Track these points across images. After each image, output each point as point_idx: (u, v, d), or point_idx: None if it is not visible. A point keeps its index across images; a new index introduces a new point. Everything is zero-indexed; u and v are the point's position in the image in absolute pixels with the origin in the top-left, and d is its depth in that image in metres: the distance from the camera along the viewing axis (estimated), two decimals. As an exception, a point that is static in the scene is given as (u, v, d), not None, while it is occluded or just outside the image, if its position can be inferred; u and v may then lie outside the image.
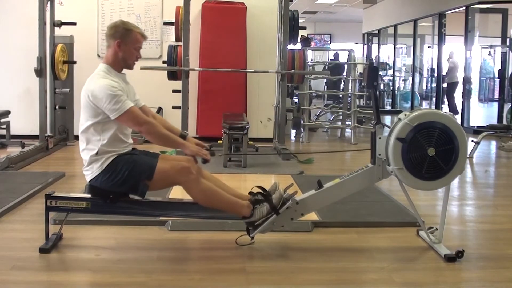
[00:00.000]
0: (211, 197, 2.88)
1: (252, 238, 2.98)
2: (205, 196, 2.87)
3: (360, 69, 9.40)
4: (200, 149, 2.92)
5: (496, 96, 11.94)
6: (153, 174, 2.80)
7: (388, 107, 12.87)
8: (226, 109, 6.58)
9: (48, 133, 6.26)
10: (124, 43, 2.89)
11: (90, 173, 2.86)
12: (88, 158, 2.84)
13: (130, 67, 2.99)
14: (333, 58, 14.09)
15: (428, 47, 13.08)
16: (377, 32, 14.39)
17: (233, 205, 2.91)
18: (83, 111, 2.85)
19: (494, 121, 9.58)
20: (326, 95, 11.90)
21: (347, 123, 8.26)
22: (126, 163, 2.82)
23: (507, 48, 9.94)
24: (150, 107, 3.19)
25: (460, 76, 10.94)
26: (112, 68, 2.91)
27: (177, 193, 3.59)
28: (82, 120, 2.87)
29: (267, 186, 3.01)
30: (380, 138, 2.98)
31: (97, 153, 2.81)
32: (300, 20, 6.79)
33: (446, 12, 10.05)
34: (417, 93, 12.62)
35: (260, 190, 2.97)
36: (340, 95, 9.41)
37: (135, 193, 2.86)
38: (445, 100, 11.38)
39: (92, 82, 2.82)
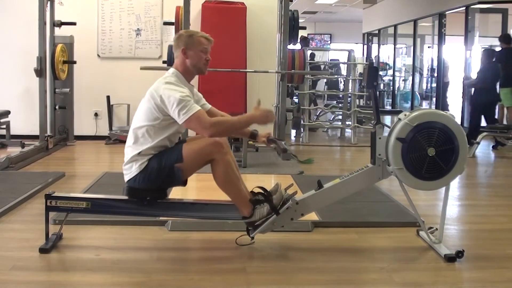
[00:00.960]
0: (230, 181, 2.85)
1: (252, 238, 2.98)
2: (226, 177, 2.83)
3: (360, 69, 9.40)
4: (266, 112, 2.94)
5: (496, 96, 11.91)
6: (181, 155, 2.79)
7: (388, 107, 12.87)
8: (226, 109, 6.48)
9: (48, 133, 6.27)
10: (189, 49, 2.90)
11: (128, 172, 2.86)
12: (129, 157, 2.85)
13: (201, 71, 2.97)
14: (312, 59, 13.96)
15: (428, 47, 13.08)
16: (377, 32, 14.39)
17: (242, 199, 2.89)
18: (142, 111, 2.85)
19: (494, 121, 9.57)
20: (326, 95, 11.91)
21: (347, 123, 8.26)
22: (155, 156, 2.82)
23: (507, 48, 9.92)
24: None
25: (451, 76, 10.97)
26: (182, 76, 2.91)
27: (177, 193, 3.59)
28: (139, 120, 2.86)
29: (267, 186, 3.00)
30: (380, 138, 2.99)
31: (139, 153, 2.82)
32: (300, 20, 6.80)
33: (446, 12, 10.05)
34: (417, 93, 12.61)
35: (261, 191, 2.96)
36: (340, 95, 9.42)
37: (173, 181, 2.86)
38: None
39: (162, 86, 2.81)
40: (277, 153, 2.96)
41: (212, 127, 2.75)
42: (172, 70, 2.93)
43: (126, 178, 2.89)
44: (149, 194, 2.90)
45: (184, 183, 2.92)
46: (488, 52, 7.86)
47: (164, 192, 2.99)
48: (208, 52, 2.97)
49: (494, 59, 7.50)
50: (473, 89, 7.83)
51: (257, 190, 2.97)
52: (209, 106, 3.11)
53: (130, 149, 2.87)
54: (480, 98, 7.47)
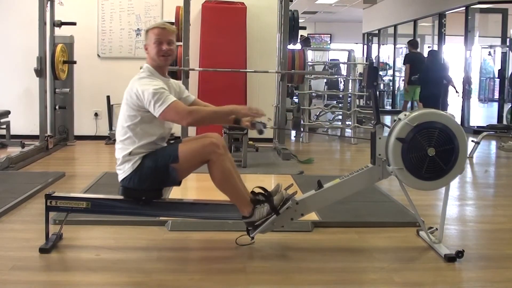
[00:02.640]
0: (228, 180, 2.83)
1: (252, 238, 2.97)
2: (224, 177, 2.82)
3: (360, 69, 9.40)
4: (250, 108, 2.87)
5: (496, 96, 11.95)
6: (177, 155, 2.78)
7: (388, 107, 12.87)
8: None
9: (48, 133, 6.27)
10: (148, 44, 2.90)
11: (122, 172, 2.86)
12: (121, 157, 2.85)
13: (161, 62, 2.89)
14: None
15: (428, 47, 13.08)
16: (377, 32, 14.39)
17: (241, 198, 2.88)
18: (122, 112, 2.85)
19: (494, 121, 9.59)
20: (326, 95, 11.91)
21: (347, 123, 8.26)
22: (150, 155, 2.82)
23: (507, 48, 9.95)
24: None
25: (451, 76, 10.98)
26: (154, 70, 2.90)
27: (177, 193, 3.59)
28: (121, 120, 2.86)
29: (267, 186, 3.00)
30: (380, 138, 2.98)
31: (130, 153, 2.81)
32: (300, 20, 6.80)
33: (446, 12, 10.05)
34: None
35: (261, 191, 2.96)
36: (340, 95, 9.41)
37: (167, 182, 2.85)
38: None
39: (136, 82, 2.81)
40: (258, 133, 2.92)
41: (189, 115, 2.73)
42: (144, 65, 2.93)
43: (120, 177, 2.88)
44: (144, 193, 2.89)
45: (179, 183, 2.91)
46: (434, 53, 9.14)
47: (159, 191, 2.96)
48: (164, 42, 2.86)
49: (439, 59, 8.86)
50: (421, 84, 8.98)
51: (257, 190, 2.97)
52: (193, 97, 3.07)
53: (120, 150, 2.86)
54: (427, 91, 8.64)
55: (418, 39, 11.22)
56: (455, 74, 11.04)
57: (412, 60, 9.42)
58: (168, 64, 2.96)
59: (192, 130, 6.76)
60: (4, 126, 6.55)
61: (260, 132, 2.88)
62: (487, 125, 8.31)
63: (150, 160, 2.81)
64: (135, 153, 2.82)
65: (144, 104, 2.74)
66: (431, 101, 8.47)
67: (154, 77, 2.85)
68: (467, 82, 9.53)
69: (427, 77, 8.60)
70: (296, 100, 9.05)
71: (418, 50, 10.14)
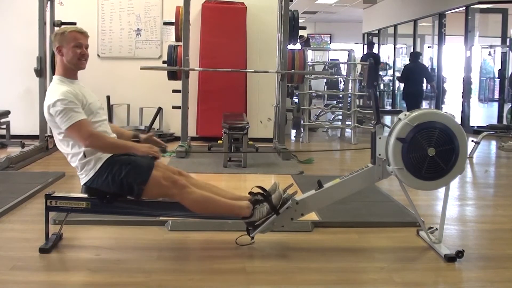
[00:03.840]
0: (206, 205, 2.88)
1: (252, 238, 2.98)
2: (200, 205, 2.87)
3: (360, 69, 9.39)
4: (150, 147, 2.89)
5: (496, 96, 11.95)
6: (148, 178, 2.78)
7: (388, 107, 12.86)
8: (226, 109, 6.58)
9: (48, 133, 6.26)
10: (63, 46, 2.89)
11: (84, 176, 2.84)
12: (78, 164, 2.82)
13: (78, 66, 2.93)
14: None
15: (428, 47, 13.08)
16: (377, 32, 14.39)
17: (230, 209, 2.92)
18: (51, 126, 2.83)
19: (494, 121, 9.58)
20: (326, 95, 11.90)
21: (347, 123, 8.26)
22: (124, 164, 2.80)
23: (507, 48, 9.95)
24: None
25: (446, 75, 11.01)
26: (64, 78, 2.88)
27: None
28: (55, 134, 2.85)
29: (267, 186, 3.01)
30: (380, 138, 2.98)
31: (84, 155, 2.79)
32: (300, 20, 6.79)
33: (446, 12, 10.05)
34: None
35: (260, 190, 2.97)
36: (340, 95, 9.41)
37: (131, 195, 2.84)
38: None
39: (48, 97, 2.78)
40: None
41: (90, 137, 2.73)
42: (54, 78, 2.91)
43: (83, 181, 2.85)
44: (108, 193, 2.86)
45: (139, 198, 2.88)
46: (415, 54, 9.47)
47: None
48: (83, 46, 2.92)
49: (419, 60, 9.29)
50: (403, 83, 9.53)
51: (256, 190, 2.98)
52: (98, 104, 3.00)
53: (73, 159, 2.83)
54: (408, 89, 9.22)
55: (418, 43, 11.31)
56: (455, 74, 11.07)
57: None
58: (83, 67, 2.98)
59: (192, 130, 6.77)
60: (4, 126, 6.55)
61: (154, 159, 2.89)
62: (487, 125, 8.30)
63: (123, 168, 2.78)
64: (90, 153, 2.79)
65: (55, 118, 2.72)
66: (412, 99, 9.07)
67: (64, 85, 2.82)
68: (466, 82, 9.53)
69: (407, 77, 9.06)
70: (296, 100, 9.05)
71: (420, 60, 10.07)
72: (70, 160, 2.88)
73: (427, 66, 10.82)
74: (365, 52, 10.01)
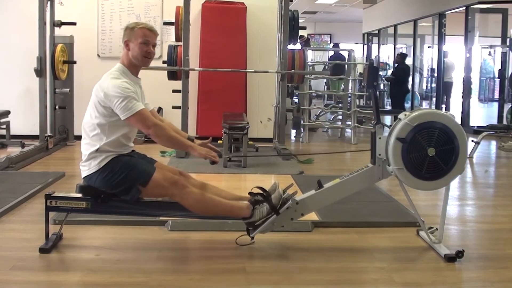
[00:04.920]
0: (206, 205, 2.88)
1: (252, 238, 2.98)
2: (200, 206, 2.88)
3: (360, 69, 9.39)
4: (208, 151, 2.91)
5: (496, 96, 11.95)
6: (148, 181, 2.80)
7: (388, 107, 12.86)
8: (226, 109, 6.58)
9: (48, 133, 6.27)
10: (131, 41, 2.90)
11: (87, 169, 2.85)
12: (87, 153, 2.83)
13: (142, 63, 2.93)
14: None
15: (428, 47, 13.08)
16: (377, 32, 14.39)
17: (230, 209, 2.92)
18: (92, 107, 2.84)
19: (494, 121, 9.58)
20: (326, 95, 11.91)
21: (347, 123, 8.26)
22: (125, 165, 2.81)
23: (507, 48, 9.95)
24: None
25: (454, 76, 10.97)
26: (127, 70, 2.91)
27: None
28: (90, 116, 2.85)
29: (267, 186, 3.01)
30: (380, 138, 2.99)
31: (97, 150, 2.80)
32: (300, 20, 6.80)
33: (446, 12, 10.05)
34: (417, 93, 12.61)
35: (260, 191, 2.97)
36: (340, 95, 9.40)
37: (126, 196, 2.84)
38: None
39: (107, 81, 2.81)
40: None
41: (154, 126, 2.77)
42: (117, 65, 2.94)
43: (84, 174, 2.87)
44: (103, 192, 2.88)
45: (133, 200, 2.88)
46: (402, 55, 9.99)
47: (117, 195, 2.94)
48: (150, 44, 2.91)
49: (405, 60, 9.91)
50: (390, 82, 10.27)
51: (256, 190, 2.98)
52: (151, 107, 3.05)
53: (87, 146, 2.85)
54: (396, 89, 9.85)
55: (418, 40, 11.38)
56: (455, 74, 11.06)
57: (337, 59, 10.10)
58: (147, 65, 2.98)
59: (192, 130, 6.77)
60: (4, 126, 6.55)
61: (213, 163, 2.92)
62: (487, 125, 8.31)
63: (124, 169, 2.80)
64: (102, 150, 2.80)
65: (112, 105, 2.74)
66: (398, 97, 9.86)
67: (126, 78, 2.85)
68: (467, 82, 9.52)
69: (398, 77, 9.66)
70: (296, 100, 9.05)
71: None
72: (82, 145, 2.88)
73: (427, 66, 11.00)
74: (395, 65, 10.42)
